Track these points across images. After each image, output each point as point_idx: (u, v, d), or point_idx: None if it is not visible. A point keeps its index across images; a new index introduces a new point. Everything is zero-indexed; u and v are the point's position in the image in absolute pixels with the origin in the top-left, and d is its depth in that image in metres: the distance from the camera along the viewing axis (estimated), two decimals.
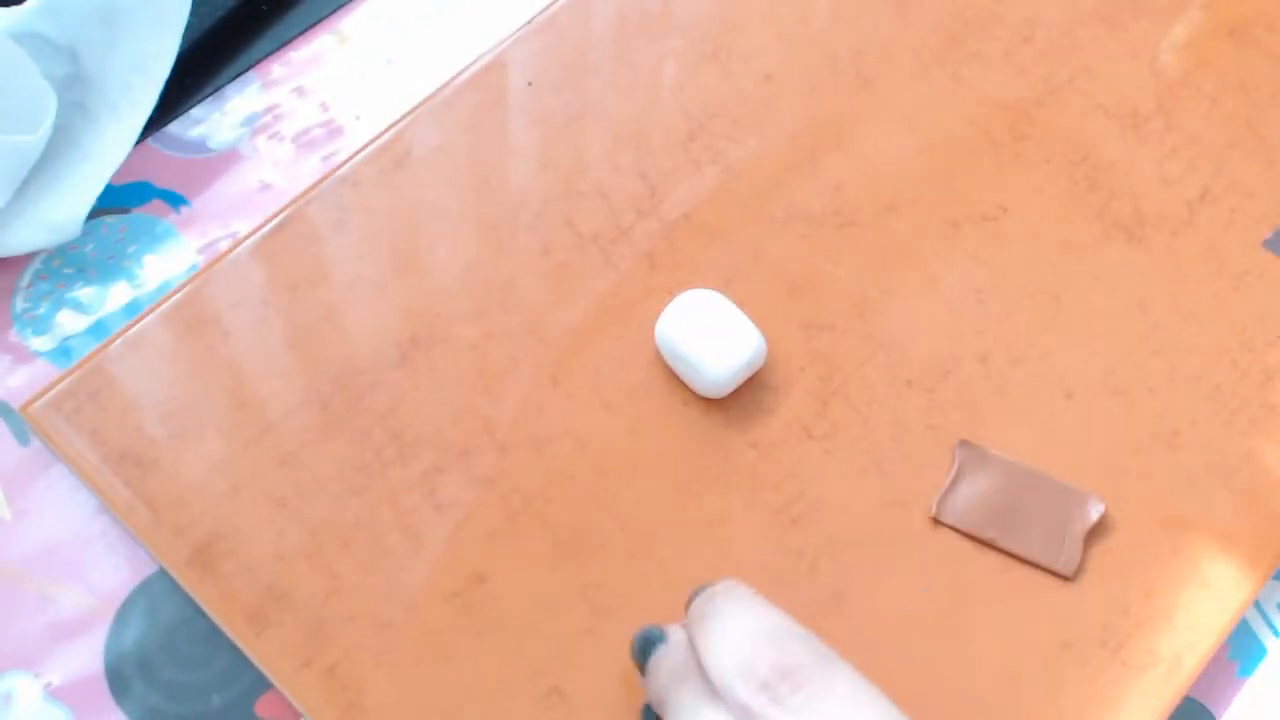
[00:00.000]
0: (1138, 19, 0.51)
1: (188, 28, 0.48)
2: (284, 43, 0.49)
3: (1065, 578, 0.40)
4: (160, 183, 0.46)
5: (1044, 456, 0.42)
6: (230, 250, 0.43)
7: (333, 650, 0.37)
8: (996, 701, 0.38)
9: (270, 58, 0.49)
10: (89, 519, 0.40)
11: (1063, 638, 0.39)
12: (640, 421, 0.41)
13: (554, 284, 0.44)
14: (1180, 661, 0.39)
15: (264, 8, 0.50)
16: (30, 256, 0.45)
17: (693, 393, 0.42)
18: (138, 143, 0.46)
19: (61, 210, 0.43)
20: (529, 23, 0.49)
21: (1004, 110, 0.49)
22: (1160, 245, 0.46)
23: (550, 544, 0.39)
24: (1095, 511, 0.41)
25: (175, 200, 0.46)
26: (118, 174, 0.46)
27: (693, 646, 0.32)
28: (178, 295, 0.42)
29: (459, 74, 0.47)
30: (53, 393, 0.40)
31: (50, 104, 0.43)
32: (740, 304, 0.44)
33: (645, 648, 0.34)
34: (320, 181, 0.45)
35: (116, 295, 0.44)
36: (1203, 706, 0.41)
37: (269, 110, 0.48)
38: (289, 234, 0.44)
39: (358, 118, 0.48)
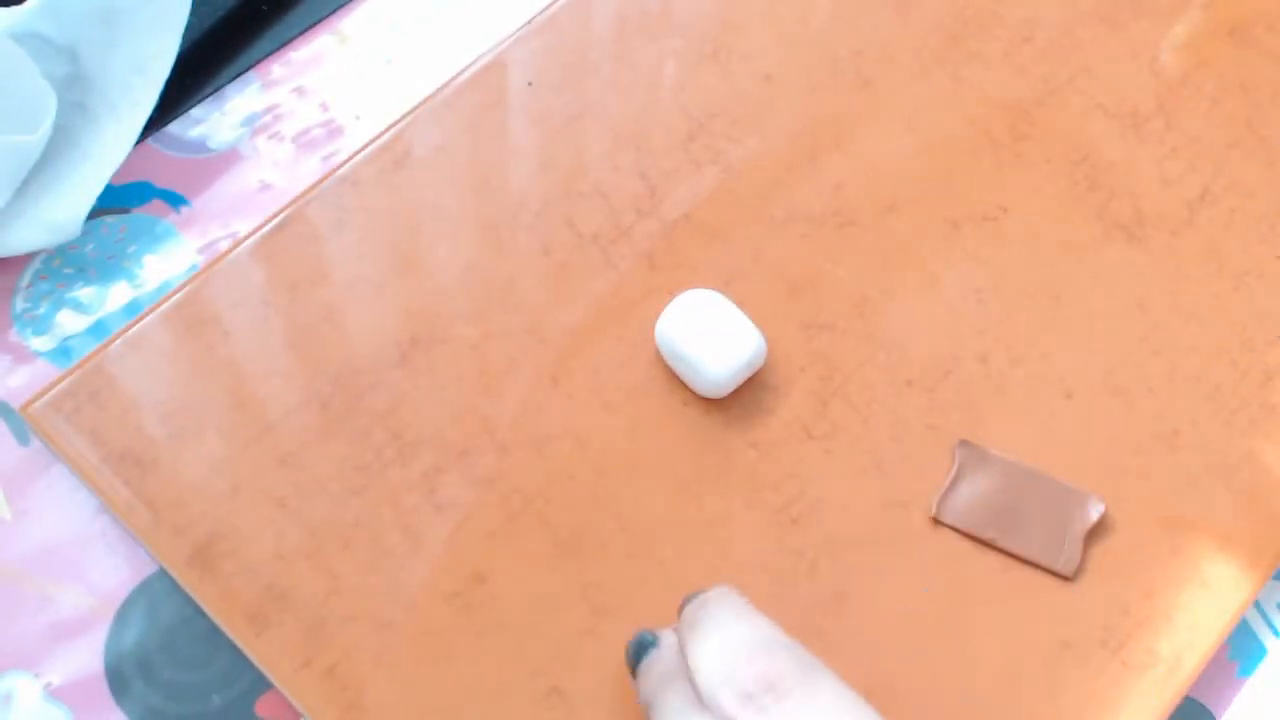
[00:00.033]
0: (1138, 19, 0.51)
1: (188, 28, 0.48)
2: (284, 43, 0.49)
3: (1065, 578, 0.40)
4: (160, 183, 0.46)
5: (1044, 456, 0.42)
6: (230, 250, 0.43)
7: (333, 650, 0.37)
8: (996, 701, 0.38)
9: (270, 58, 0.49)
10: (89, 519, 0.40)
11: (1063, 638, 0.39)
12: (640, 421, 0.41)
13: (554, 284, 0.44)
14: (1180, 661, 0.39)
15: (264, 8, 0.50)
16: (30, 256, 0.45)
17: (693, 393, 0.42)
18: (138, 143, 0.46)
19: (61, 210, 0.43)
20: (529, 23, 0.49)
21: (1004, 110, 0.49)
22: (1160, 245, 0.46)
23: (550, 544, 0.39)
24: (1095, 511, 0.41)
25: (175, 200, 0.46)
26: (118, 174, 0.46)
27: (683, 653, 0.32)
28: (178, 295, 0.42)
29: (459, 74, 0.47)
30: (53, 393, 0.40)
31: (50, 104, 0.43)
32: (740, 304, 0.44)
33: (638, 652, 0.34)
34: (320, 181, 0.45)
35: (116, 295, 0.44)
36: (1203, 706, 0.41)
37: (269, 110, 0.48)
38: (289, 234, 0.44)
39: (358, 118, 0.48)
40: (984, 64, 0.50)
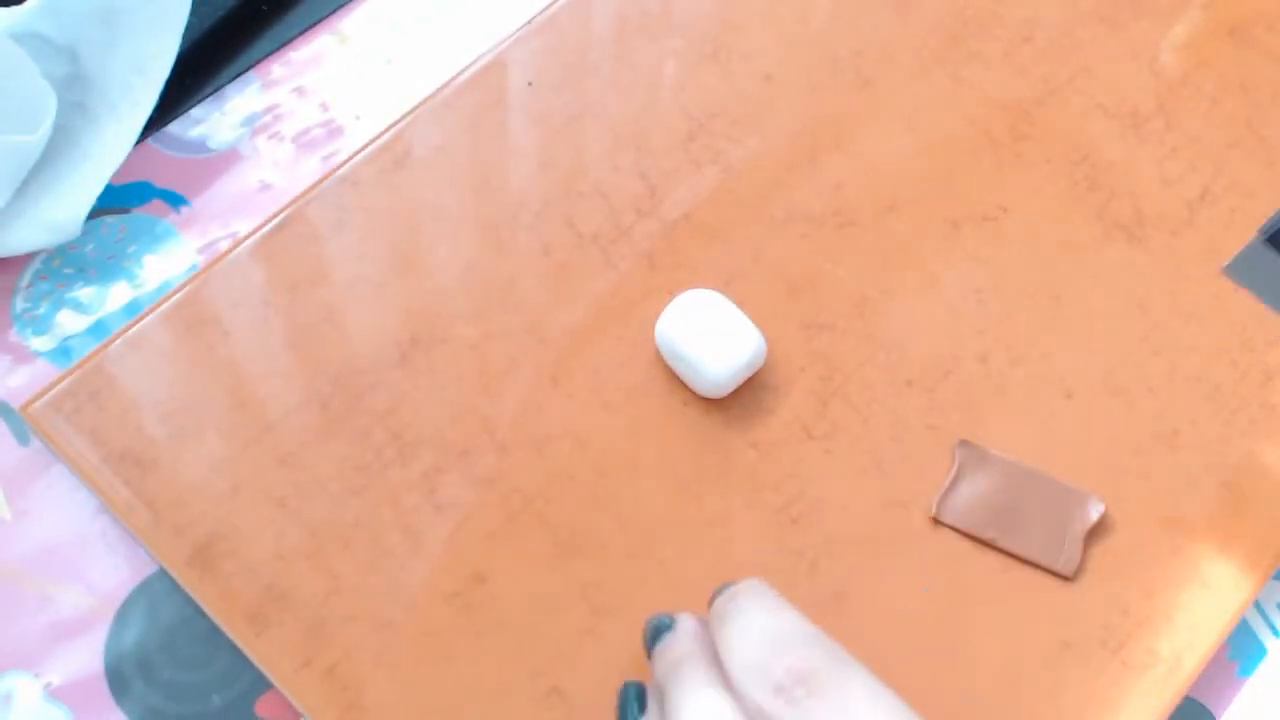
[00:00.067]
0: (1138, 19, 0.51)
1: (188, 28, 0.48)
2: (284, 43, 0.49)
3: (1065, 578, 0.40)
4: (160, 183, 0.46)
5: (1044, 456, 0.42)
6: (230, 250, 0.43)
7: (333, 650, 0.37)
8: (996, 701, 0.38)
9: (270, 58, 0.49)
10: (89, 519, 0.40)
11: (1063, 638, 0.39)
12: (640, 421, 0.41)
13: (554, 284, 0.44)
14: (1180, 661, 0.39)
15: (264, 8, 0.50)
16: (30, 256, 0.45)
17: (693, 393, 0.42)
18: (138, 143, 0.46)
19: (61, 210, 0.43)
20: (529, 23, 0.49)
21: (1004, 110, 0.49)
22: (1160, 245, 0.46)
23: (550, 544, 0.39)
24: (1095, 511, 0.41)
25: (175, 200, 0.46)
26: (118, 174, 0.46)
27: (714, 644, 0.32)
28: (178, 295, 0.42)
29: (459, 74, 0.47)
30: (53, 393, 0.40)
31: (50, 104, 0.43)
32: (740, 304, 0.44)
33: (655, 634, 0.34)
34: (320, 181, 0.45)
35: (116, 295, 0.44)
36: (1203, 706, 0.41)
37: (269, 110, 0.48)
38: (289, 234, 0.44)
39: (358, 118, 0.48)
40: (984, 64, 0.50)
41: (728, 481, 0.41)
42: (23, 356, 0.43)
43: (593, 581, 0.39)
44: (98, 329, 0.43)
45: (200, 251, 0.45)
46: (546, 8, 0.49)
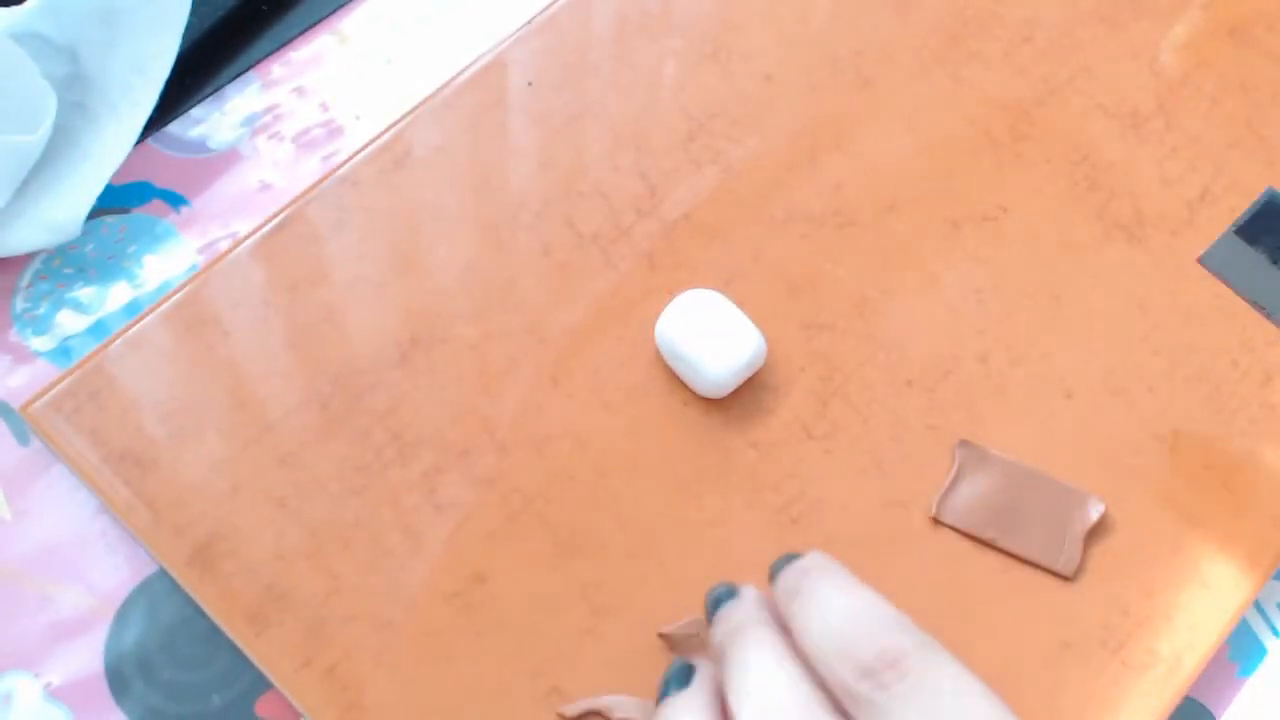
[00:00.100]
0: (1138, 19, 0.51)
1: (188, 28, 0.48)
2: (284, 43, 0.49)
3: (1065, 578, 0.40)
4: (160, 183, 0.46)
5: (1044, 456, 0.42)
6: (230, 250, 0.43)
7: (333, 650, 0.37)
8: None
9: (270, 58, 0.49)
10: (89, 519, 0.40)
11: (1063, 638, 0.39)
12: (640, 421, 0.41)
13: (554, 284, 0.44)
14: (1180, 661, 0.39)
15: (264, 8, 0.50)
16: (30, 256, 0.45)
17: (693, 393, 0.42)
18: (138, 143, 0.46)
19: (61, 210, 0.43)
20: (529, 23, 0.49)
21: (1004, 110, 0.49)
22: (1160, 245, 0.46)
23: (550, 544, 0.39)
24: (1095, 511, 0.41)
25: (175, 200, 0.46)
26: (118, 174, 0.46)
27: (783, 617, 0.32)
28: (178, 295, 0.42)
29: (459, 74, 0.47)
30: (53, 393, 0.40)
31: (50, 104, 0.43)
32: (740, 304, 0.44)
33: (716, 603, 0.34)
34: (320, 181, 0.45)
35: (116, 295, 0.44)
36: (1203, 706, 0.41)
37: (269, 110, 0.48)
38: (289, 234, 0.44)
39: (358, 118, 0.48)
40: (984, 64, 0.50)
41: (728, 481, 0.41)
42: (23, 356, 0.43)
43: (593, 581, 0.39)
44: (98, 329, 0.43)
45: (200, 251, 0.45)
46: (546, 8, 0.49)
